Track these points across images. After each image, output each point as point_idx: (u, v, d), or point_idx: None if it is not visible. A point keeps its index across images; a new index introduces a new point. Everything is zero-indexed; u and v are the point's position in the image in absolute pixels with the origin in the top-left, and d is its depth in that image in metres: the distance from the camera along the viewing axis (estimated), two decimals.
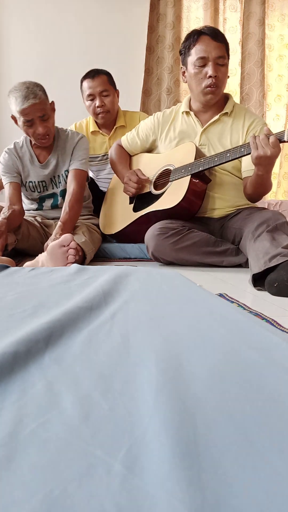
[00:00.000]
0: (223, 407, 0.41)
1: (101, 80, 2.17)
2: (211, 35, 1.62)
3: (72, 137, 1.90)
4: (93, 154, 2.32)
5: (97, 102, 2.18)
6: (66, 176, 1.89)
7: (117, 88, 2.28)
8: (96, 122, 2.32)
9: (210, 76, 1.63)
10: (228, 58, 1.68)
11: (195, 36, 1.65)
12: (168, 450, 0.33)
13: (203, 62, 1.63)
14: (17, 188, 1.86)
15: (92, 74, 2.19)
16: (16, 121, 1.78)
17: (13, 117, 1.78)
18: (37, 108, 1.70)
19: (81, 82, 2.23)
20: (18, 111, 1.70)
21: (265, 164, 1.45)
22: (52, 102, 1.80)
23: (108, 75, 2.21)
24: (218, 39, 1.63)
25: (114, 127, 2.29)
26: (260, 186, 1.58)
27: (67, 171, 1.88)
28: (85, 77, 2.21)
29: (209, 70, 1.62)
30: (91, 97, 2.19)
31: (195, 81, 1.68)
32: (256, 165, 1.48)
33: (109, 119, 2.26)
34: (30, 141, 1.88)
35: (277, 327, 0.78)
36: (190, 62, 1.67)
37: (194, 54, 1.64)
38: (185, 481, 0.30)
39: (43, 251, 1.52)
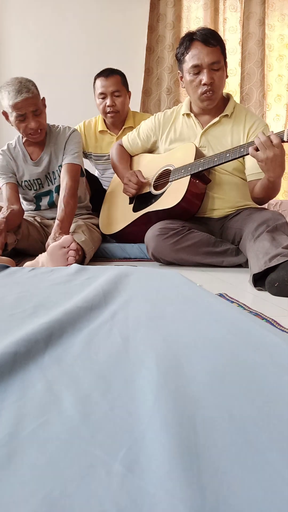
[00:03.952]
0: (223, 407, 0.41)
1: (115, 80, 2.18)
2: (202, 40, 1.59)
3: (63, 132, 1.89)
4: (99, 153, 2.33)
5: (108, 102, 2.18)
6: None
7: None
8: (104, 121, 2.33)
9: (205, 84, 1.61)
10: (225, 58, 1.65)
11: (187, 42, 1.62)
12: (168, 450, 0.33)
13: (197, 69, 1.61)
14: (14, 188, 1.86)
15: (107, 73, 2.19)
16: (7, 117, 1.77)
17: (5, 113, 1.77)
18: (30, 103, 1.70)
19: (95, 79, 2.23)
20: (10, 105, 1.69)
21: (273, 167, 1.42)
22: (43, 98, 1.80)
23: (122, 75, 2.22)
24: (211, 43, 1.59)
25: (123, 128, 2.30)
26: (271, 190, 1.56)
27: (61, 166, 1.87)
28: (99, 75, 2.21)
29: (203, 77, 1.61)
30: (103, 95, 2.19)
31: (191, 88, 1.67)
32: (265, 171, 1.45)
33: (118, 119, 2.27)
34: (22, 140, 1.88)
35: (277, 327, 0.78)
36: (185, 69, 1.65)
37: (188, 62, 1.63)
38: (185, 481, 0.30)
39: (43, 251, 1.52)
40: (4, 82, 1.71)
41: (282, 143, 1.39)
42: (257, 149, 1.41)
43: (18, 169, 1.89)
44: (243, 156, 1.51)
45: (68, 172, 1.81)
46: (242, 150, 1.50)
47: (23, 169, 1.89)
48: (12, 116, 1.72)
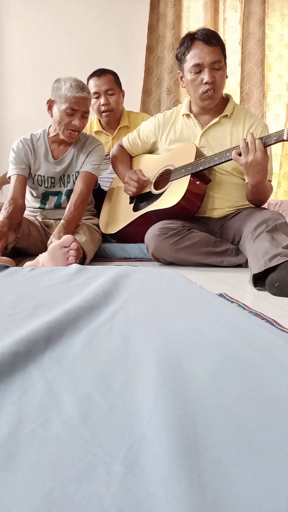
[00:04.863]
0: (223, 407, 0.41)
1: (107, 79, 2.20)
2: (204, 39, 1.60)
3: (91, 142, 1.92)
4: None
5: (102, 101, 2.20)
6: (76, 178, 1.89)
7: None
8: (100, 122, 2.33)
9: (206, 83, 1.62)
10: (225, 58, 1.66)
11: (188, 42, 1.64)
12: (168, 450, 0.33)
13: (198, 68, 1.62)
14: (23, 182, 1.84)
15: (99, 73, 2.21)
16: (50, 106, 1.78)
17: (51, 101, 1.78)
18: (85, 104, 1.75)
19: (87, 80, 2.25)
20: (68, 96, 1.71)
21: (253, 172, 1.45)
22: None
23: (114, 75, 2.24)
24: (212, 43, 1.60)
25: (118, 127, 2.30)
26: (256, 194, 1.61)
27: (78, 172, 1.89)
28: (92, 75, 2.24)
29: (205, 76, 1.61)
30: (96, 95, 2.21)
31: (192, 87, 1.68)
32: (246, 176, 1.50)
33: (113, 118, 2.27)
34: (49, 135, 1.89)
35: (277, 327, 0.78)
36: (186, 68, 1.66)
37: (189, 61, 1.63)
38: (185, 481, 0.30)
39: (43, 250, 1.52)
40: (65, 76, 1.76)
41: (282, 142, 1.39)
42: (240, 153, 1.43)
43: (35, 162, 1.88)
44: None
45: (85, 180, 1.83)
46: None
47: (40, 163, 1.88)
48: (62, 107, 1.74)
